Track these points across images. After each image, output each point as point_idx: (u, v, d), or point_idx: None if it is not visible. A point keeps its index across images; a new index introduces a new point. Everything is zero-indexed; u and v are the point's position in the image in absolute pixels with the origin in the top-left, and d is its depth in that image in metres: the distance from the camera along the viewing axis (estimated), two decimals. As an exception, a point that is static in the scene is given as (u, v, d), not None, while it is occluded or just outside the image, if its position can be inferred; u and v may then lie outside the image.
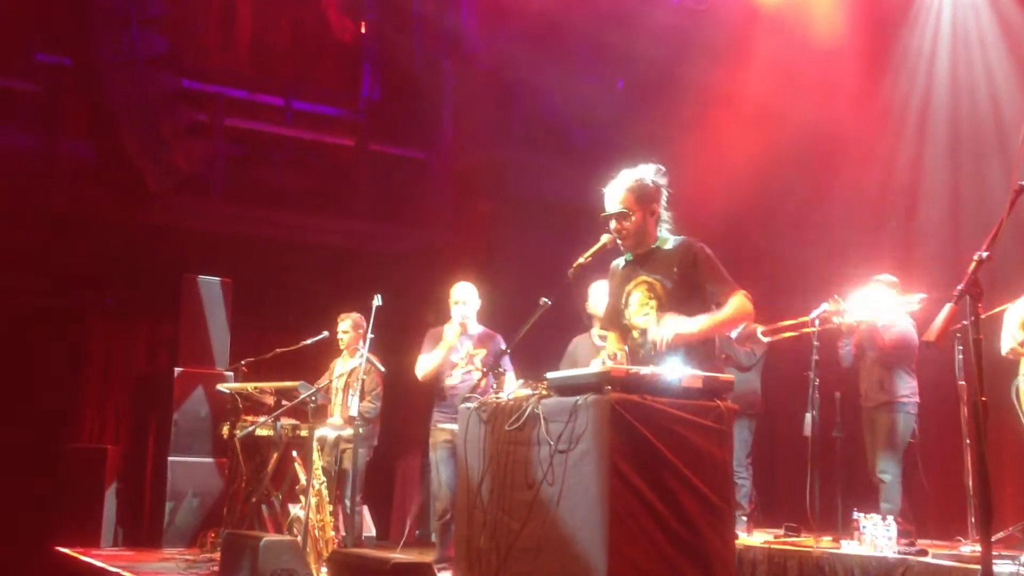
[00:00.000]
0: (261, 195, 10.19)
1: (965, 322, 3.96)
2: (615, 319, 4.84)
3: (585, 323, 6.96)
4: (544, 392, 4.36)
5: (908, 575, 5.27)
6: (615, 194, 4.70)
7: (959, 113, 8.40)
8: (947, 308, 3.70)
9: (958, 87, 8.49)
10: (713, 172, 8.34)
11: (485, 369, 6.19)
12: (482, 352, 6.81)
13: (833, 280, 7.47)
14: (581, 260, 4.76)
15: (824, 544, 6.09)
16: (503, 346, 6.60)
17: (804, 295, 7.58)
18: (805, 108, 8.49)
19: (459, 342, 6.79)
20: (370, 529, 8.34)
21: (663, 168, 4.78)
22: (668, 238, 4.74)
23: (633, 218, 4.67)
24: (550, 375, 4.42)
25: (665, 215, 4.78)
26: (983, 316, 3.74)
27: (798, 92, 8.61)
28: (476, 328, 6.90)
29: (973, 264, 3.68)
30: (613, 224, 4.70)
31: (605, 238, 4.80)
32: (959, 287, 3.66)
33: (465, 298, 6.85)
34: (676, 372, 4.24)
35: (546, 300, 4.84)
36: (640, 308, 4.67)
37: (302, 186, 10.47)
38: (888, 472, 6.82)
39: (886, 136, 8.71)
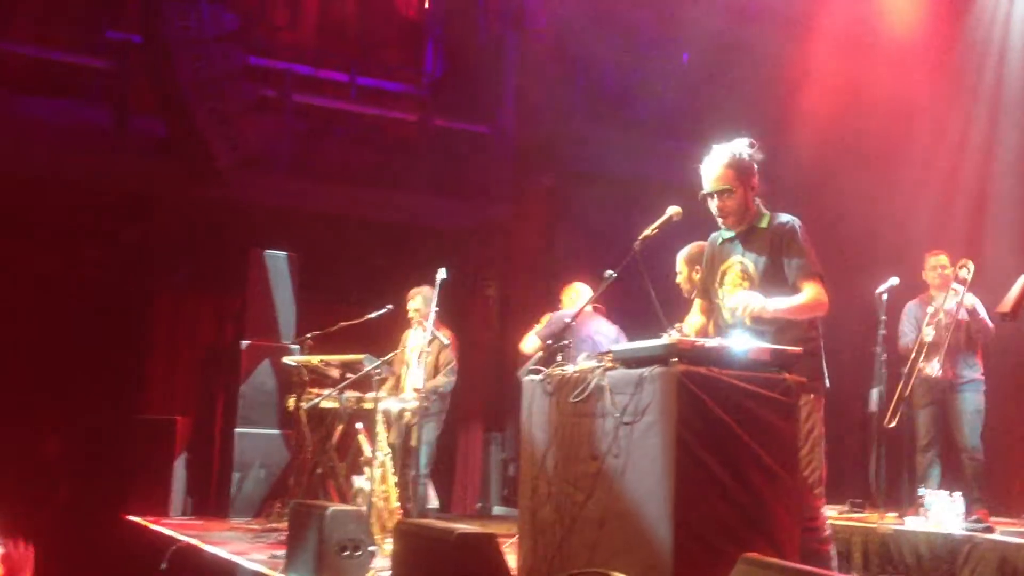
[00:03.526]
0: (326, 170, 10.27)
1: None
2: (705, 294, 4.80)
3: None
4: (609, 364, 4.35)
5: (975, 552, 5.19)
6: (713, 171, 4.60)
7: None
8: (1023, 279, 3.61)
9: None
10: (780, 147, 8.21)
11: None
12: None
13: (901, 256, 7.35)
14: (648, 232, 4.71)
15: (889, 520, 6.02)
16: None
17: (872, 269, 7.43)
18: (876, 80, 8.33)
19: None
20: (434, 501, 8.41)
21: (755, 141, 4.69)
22: (766, 214, 4.64)
23: (735, 195, 4.59)
24: (615, 347, 4.40)
25: (760, 189, 4.70)
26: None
27: (868, 63, 8.45)
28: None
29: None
30: (714, 202, 4.63)
31: (672, 210, 4.75)
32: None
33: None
34: (743, 344, 4.20)
35: (611, 272, 4.81)
36: (733, 288, 4.61)
37: (366, 161, 10.53)
38: (980, 450, 6.73)
39: (958, 108, 8.50)
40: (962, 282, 6.67)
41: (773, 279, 4.50)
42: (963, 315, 6.78)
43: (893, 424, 6.81)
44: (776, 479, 4.04)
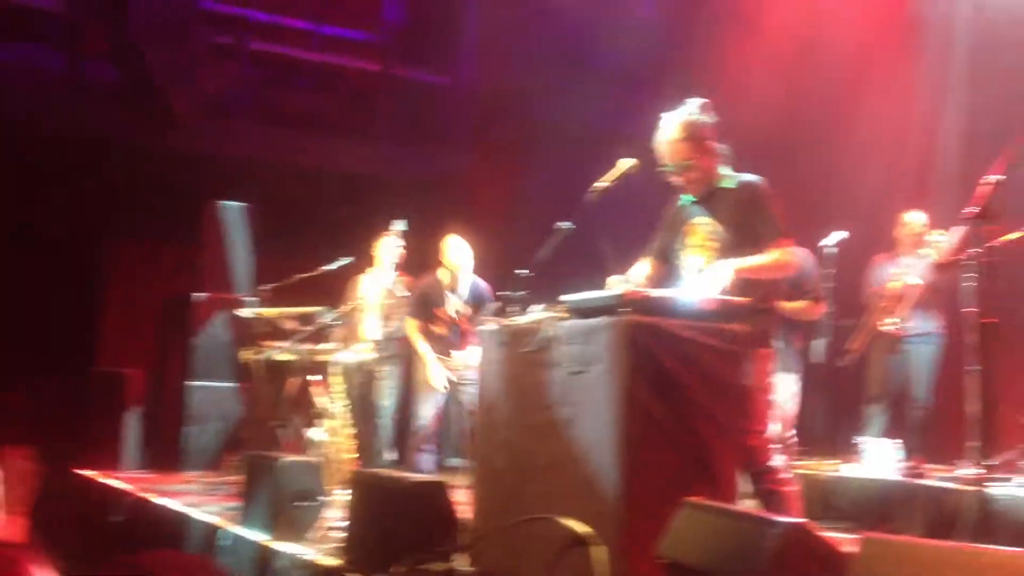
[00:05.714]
0: (286, 119, 10.14)
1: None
2: (664, 255, 4.78)
3: None
4: (561, 314, 4.34)
5: (907, 497, 5.30)
6: (669, 145, 4.57)
7: (981, 36, 8.15)
8: (957, 231, 3.62)
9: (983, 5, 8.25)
10: (738, 98, 8.16)
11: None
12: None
13: (851, 209, 7.39)
14: (601, 184, 4.69)
15: (828, 467, 6.15)
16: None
17: (826, 223, 7.44)
18: (830, 33, 8.28)
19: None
20: (391, 453, 8.40)
21: (707, 102, 4.63)
22: (730, 175, 4.61)
23: (694, 165, 4.57)
24: (566, 297, 4.39)
25: (722, 150, 4.66)
26: (1000, 241, 3.66)
27: (822, 15, 8.40)
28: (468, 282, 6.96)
29: (984, 187, 3.59)
30: (674, 175, 4.59)
31: (627, 163, 4.73)
32: (969, 209, 3.58)
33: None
34: (691, 294, 4.21)
35: (567, 224, 4.78)
36: (696, 251, 4.60)
37: (327, 111, 10.42)
38: (929, 402, 6.86)
39: (908, 60, 8.48)
40: (932, 245, 6.74)
41: (738, 240, 4.49)
42: (928, 276, 6.87)
43: (845, 363, 6.93)
44: (721, 426, 4.08)
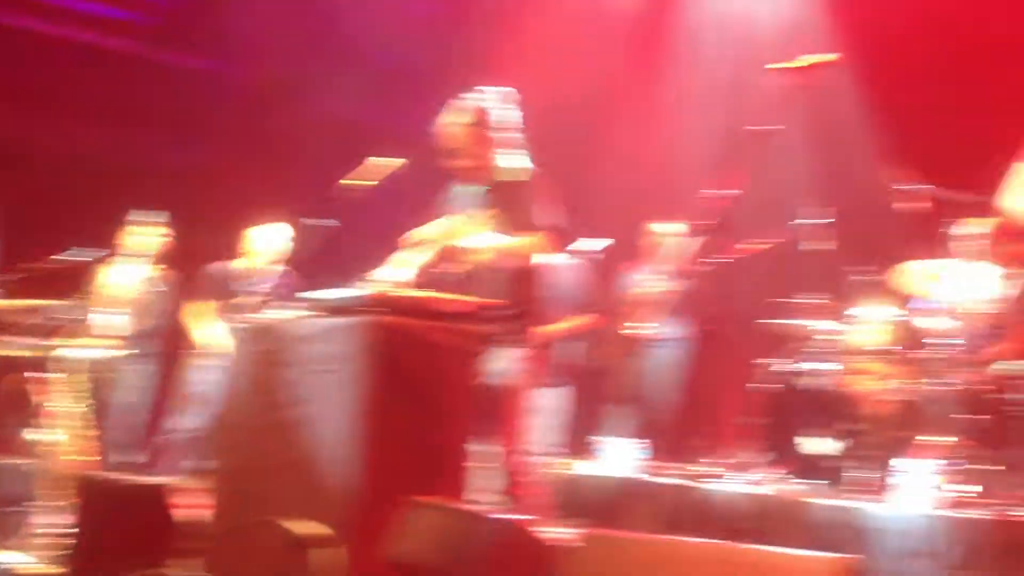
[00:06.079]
0: (41, 102, 9.55)
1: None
2: (439, 242, 4.76)
3: None
4: (304, 313, 4.30)
5: (636, 494, 5.58)
6: (447, 130, 4.59)
7: (733, 50, 8.61)
8: (694, 241, 3.82)
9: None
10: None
11: None
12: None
13: (612, 217, 7.64)
14: (363, 181, 4.67)
15: (566, 467, 6.37)
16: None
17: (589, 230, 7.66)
18: (594, 40, 8.53)
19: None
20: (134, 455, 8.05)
21: (511, 91, 4.67)
22: (504, 166, 4.65)
23: (469, 152, 4.58)
24: (308, 294, 4.35)
25: (509, 139, 4.68)
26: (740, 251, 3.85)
27: (587, 20, 8.64)
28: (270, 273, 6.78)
29: (721, 199, 3.80)
30: (450, 160, 4.60)
31: (386, 161, 4.73)
32: (705, 221, 3.78)
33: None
34: (442, 295, 4.25)
35: (331, 220, 4.75)
36: (471, 238, 4.61)
37: (85, 94, 9.87)
38: (670, 404, 7.17)
39: (660, 71, 8.84)
40: (672, 251, 7.04)
41: (506, 230, 4.54)
42: (670, 282, 7.18)
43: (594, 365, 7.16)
44: (463, 427, 4.14)
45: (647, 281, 7.30)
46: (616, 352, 7.32)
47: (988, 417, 4.95)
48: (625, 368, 7.31)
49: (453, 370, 4.15)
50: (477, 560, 3.17)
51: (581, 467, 6.36)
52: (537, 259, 4.58)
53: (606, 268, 7.32)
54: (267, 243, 7.04)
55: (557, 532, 3.86)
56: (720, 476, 5.85)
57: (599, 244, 7.16)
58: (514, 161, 4.68)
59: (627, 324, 7.26)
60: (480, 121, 4.60)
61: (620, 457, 6.19)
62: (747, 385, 6.26)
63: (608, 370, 7.29)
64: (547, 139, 8.60)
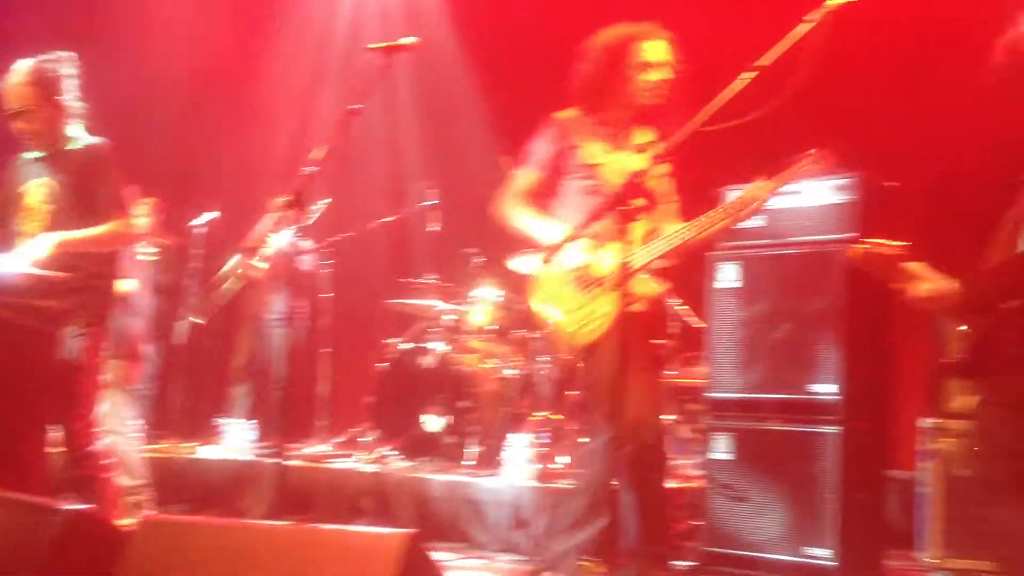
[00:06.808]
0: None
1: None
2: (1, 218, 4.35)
3: None
4: None
5: (259, 475, 5.50)
6: (14, 89, 4.20)
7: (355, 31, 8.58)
8: (272, 216, 3.76)
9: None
10: (136, 64, 7.79)
11: None
12: None
13: (225, 190, 7.45)
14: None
15: (184, 450, 6.18)
16: None
17: (198, 203, 7.39)
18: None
19: None
20: None
21: (74, 56, 4.32)
22: (76, 137, 4.31)
23: (37, 114, 4.21)
24: None
25: (77, 108, 4.34)
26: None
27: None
28: None
29: (302, 176, 3.75)
30: (17, 122, 4.21)
31: None
32: (284, 197, 3.72)
33: None
34: (3, 266, 3.93)
35: None
36: (30, 215, 4.22)
37: None
38: (283, 382, 7.04)
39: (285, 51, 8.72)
40: (289, 224, 6.89)
41: (76, 206, 4.24)
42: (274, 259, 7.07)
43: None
44: (34, 409, 3.91)
45: (254, 257, 7.12)
46: (236, 330, 7.15)
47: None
48: (244, 346, 7.16)
49: (27, 349, 3.88)
50: (43, 553, 2.97)
51: (203, 451, 6.15)
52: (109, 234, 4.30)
53: (212, 243, 7.11)
54: None
55: (126, 520, 3.69)
56: (334, 456, 5.86)
57: (204, 218, 6.95)
58: (81, 131, 4.40)
59: (243, 302, 7.09)
60: (47, 80, 4.28)
61: (240, 438, 6.05)
62: (372, 365, 6.30)
63: (227, 349, 7.10)
64: (153, 114, 8.32)
